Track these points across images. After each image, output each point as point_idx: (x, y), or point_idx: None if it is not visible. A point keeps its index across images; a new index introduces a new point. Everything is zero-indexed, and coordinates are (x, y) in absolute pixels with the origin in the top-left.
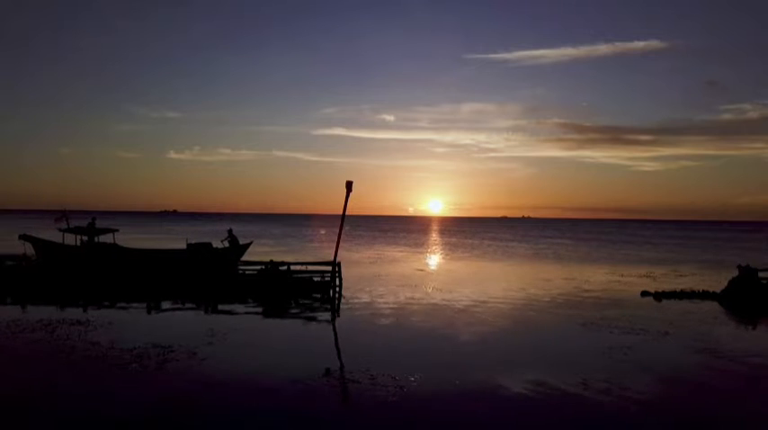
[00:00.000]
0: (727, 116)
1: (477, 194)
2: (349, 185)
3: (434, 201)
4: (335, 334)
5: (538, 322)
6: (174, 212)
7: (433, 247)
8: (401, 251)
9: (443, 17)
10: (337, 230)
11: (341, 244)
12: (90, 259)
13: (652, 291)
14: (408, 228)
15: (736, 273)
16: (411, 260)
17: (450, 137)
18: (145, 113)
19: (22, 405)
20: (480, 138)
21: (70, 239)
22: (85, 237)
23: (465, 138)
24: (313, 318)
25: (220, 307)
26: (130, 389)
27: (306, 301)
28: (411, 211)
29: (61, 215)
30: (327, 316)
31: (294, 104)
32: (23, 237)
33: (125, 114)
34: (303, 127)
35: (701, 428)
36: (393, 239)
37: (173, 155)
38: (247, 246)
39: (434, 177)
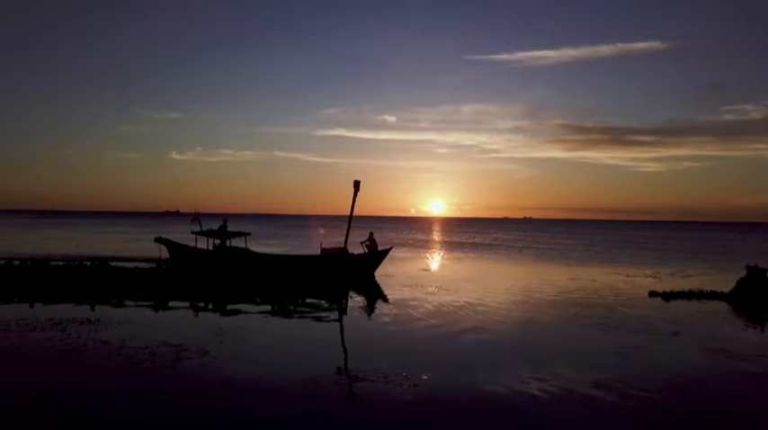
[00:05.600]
0: (728, 117)
1: (479, 195)
2: (356, 185)
3: (436, 202)
4: (344, 333)
5: (546, 322)
6: (177, 213)
7: (436, 248)
8: (404, 251)
9: (444, 18)
10: (337, 230)
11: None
12: (222, 263)
13: (660, 291)
14: (410, 229)
15: (742, 273)
16: (414, 260)
17: (451, 138)
18: (147, 114)
19: (36, 403)
20: (482, 139)
21: (203, 242)
22: (218, 241)
23: (466, 138)
24: (321, 318)
25: (228, 306)
26: (145, 387)
27: (313, 300)
28: (413, 212)
29: (195, 217)
30: (335, 315)
31: (295, 105)
32: (159, 240)
33: (127, 115)
34: (304, 128)
35: (716, 428)
36: (394, 239)
37: (175, 155)
38: (387, 251)
39: (436, 178)
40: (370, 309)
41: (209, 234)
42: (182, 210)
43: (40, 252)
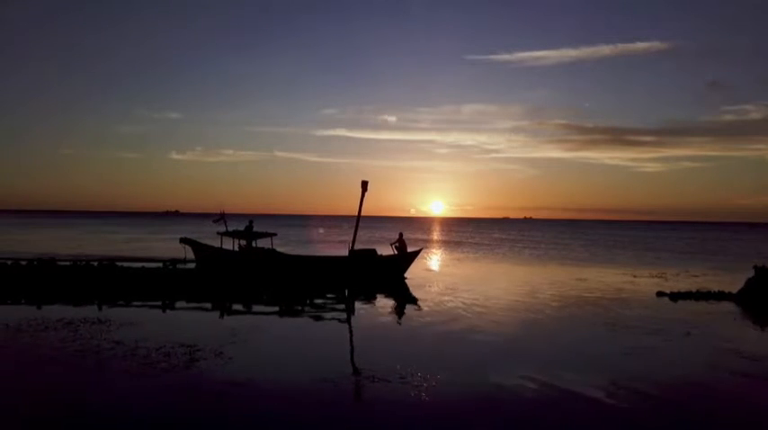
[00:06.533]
0: (729, 117)
1: (479, 195)
2: (364, 185)
3: (436, 202)
4: (356, 333)
5: (557, 322)
6: (177, 213)
7: (438, 248)
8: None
9: (444, 18)
10: (336, 230)
11: (344, 244)
12: (248, 264)
13: (667, 291)
14: (410, 229)
15: (747, 273)
16: (417, 260)
17: (451, 138)
18: (146, 114)
19: (53, 404)
20: (482, 139)
21: (228, 243)
22: (244, 242)
23: (467, 139)
24: (330, 318)
25: (238, 306)
26: (162, 387)
27: (320, 301)
28: (413, 212)
29: (220, 217)
30: (343, 315)
31: (295, 105)
32: (184, 241)
33: (127, 115)
34: (304, 128)
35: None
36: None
37: (175, 155)
38: (417, 253)
39: (436, 178)
40: (375, 309)
41: (235, 234)
42: (181, 211)
43: (41, 252)
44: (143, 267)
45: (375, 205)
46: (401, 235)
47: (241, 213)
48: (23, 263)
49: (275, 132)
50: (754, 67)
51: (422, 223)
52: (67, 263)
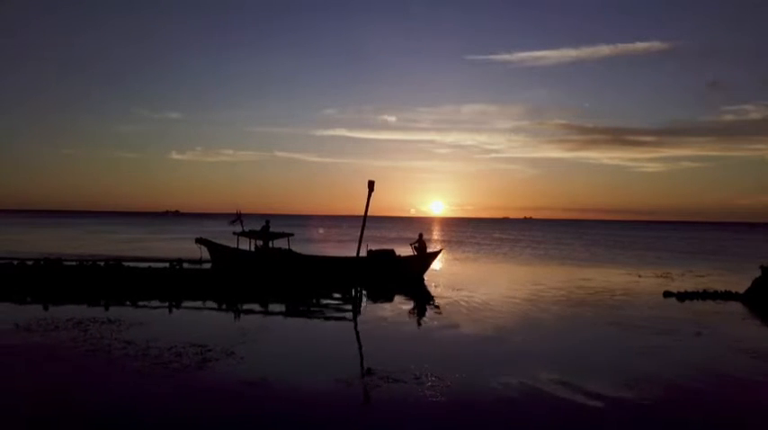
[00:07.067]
0: (729, 117)
1: (479, 195)
2: (371, 185)
3: (436, 202)
4: (365, 333)
5: (567, 323)
6: (177, 213)
7: (439, 248)
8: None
9: (444, 18)
10: (336, 230)
11: (344, 244)
12: (263, 264)
13: (674, 291)
14: (411, 229)
15: (751, 273)
16: None
17: (451, 138)
18: (147, 114)
19: (67, 403)
20: (482, 139)
21: (244, 243)
22: (260, 242)
23: (467, 139)
24: (338, 318)
25: (245, 306)
26: (174, 387)
27: (327, 301)
28: (413, 212)
29: (236, 218)
30: (350, 315)
31: (295, 105)
32: (200, 241)
33: (127, 115)
34: (304, 128)
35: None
36: (395, 240)
37: (175, 155)
38: (436, 254)
39: (436, 178)
40: (382, 309)
41: (251, 235)
42: (181, 210)
43: (42, 251)
44: (149, 267)
45: (375, 205)
46: (421, 235)
47: (258, 213)
48: (30, 263)
49: (275, 132)
50: (755, 66)
51: (422, 223)
52: (74, 263)
